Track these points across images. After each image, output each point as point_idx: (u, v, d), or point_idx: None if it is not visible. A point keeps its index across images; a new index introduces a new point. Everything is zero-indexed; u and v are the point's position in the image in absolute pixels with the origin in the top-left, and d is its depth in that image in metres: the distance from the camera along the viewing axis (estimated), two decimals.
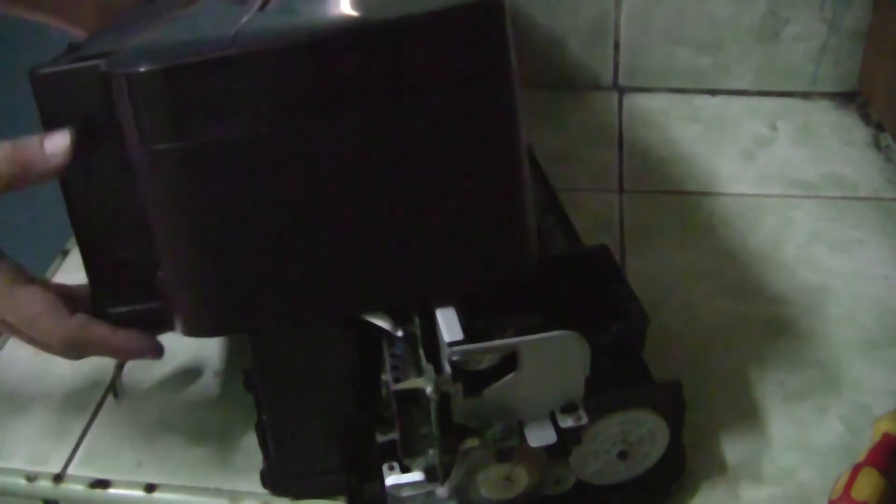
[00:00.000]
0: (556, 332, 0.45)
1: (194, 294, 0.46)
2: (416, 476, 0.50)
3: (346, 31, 0.43)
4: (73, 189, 0.48)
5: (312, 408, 0.51)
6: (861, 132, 0.89)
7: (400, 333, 0.48)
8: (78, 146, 0.46)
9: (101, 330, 0.49)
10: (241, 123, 0.42)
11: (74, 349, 0.50)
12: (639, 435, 0.51)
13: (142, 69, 0.41)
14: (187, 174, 0.43)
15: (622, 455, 0.51)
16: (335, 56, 0.41)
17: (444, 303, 0.47)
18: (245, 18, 0.45)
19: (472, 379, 0.46)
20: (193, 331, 0.48)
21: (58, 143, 0.46)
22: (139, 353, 0.52)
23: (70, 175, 0.47)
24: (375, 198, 0.44)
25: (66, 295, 0.50)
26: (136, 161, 0.43)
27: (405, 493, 0.50)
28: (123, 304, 0.50)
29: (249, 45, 0.42)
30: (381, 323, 0.48)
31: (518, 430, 0.48)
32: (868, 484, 0.51)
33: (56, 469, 0.58)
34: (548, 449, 0.49)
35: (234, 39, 0.42)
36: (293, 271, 0.45)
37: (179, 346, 0.66)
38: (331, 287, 0.46)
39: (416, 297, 0.48)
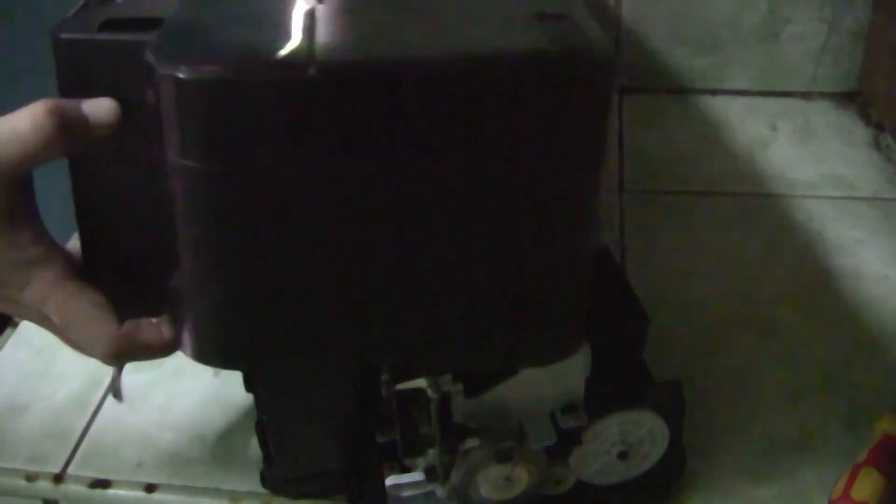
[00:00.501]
0: None
1: (212, 322, 0.42)
2: (416, 476, 0.50)
3: (440, 62, 0.37)
4: (83, 168, 0.42)
5: (312, 408, 0.51)
6: (861, 132, 0.89)
7: None
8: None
9: (149, 333, 0.44)
10: (297, 149, 0.37)
11: (119, 359, 0.45)
12: (639, 435, 0.51)
13: (197, 76, 0.35)
14: (228, 196, 0.38)
15: (622, 455, 0.51)
16: (416, 89, 0.36)
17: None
18: (306, 7, 0.40)
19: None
20: (204, 357, 0.43)
21: (101, 106, 0.40)
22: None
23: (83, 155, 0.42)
24: (424, 249, 0.40)
25: None
26: (169, 166, 0.38)
27: (405, 493, 0.50)
28: (121, 303, 0.45)
29: (332, 66, 0.36)
30: None
31: (518, 430, 0.48)
32: (868, 484, 0.51)
33: (56, 469, 0.58)
34: (548, 449, 0.49)
35: (309, 53, 0.36)
36: (320, 311, 0.41)
37: None
38: (359, 334, 0.42)
39: (437, 362, 0.44)
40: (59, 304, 0.42)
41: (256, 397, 0.54)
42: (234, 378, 0.62)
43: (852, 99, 0.94)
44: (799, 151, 0.87)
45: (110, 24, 0.40)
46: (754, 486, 0.55)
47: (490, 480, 0.49)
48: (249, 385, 0.55)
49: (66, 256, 0.43)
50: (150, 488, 0.56)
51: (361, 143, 0.37)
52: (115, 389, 0.63)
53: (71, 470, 0.58)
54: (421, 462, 0.50)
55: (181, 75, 0.35)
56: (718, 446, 0.57)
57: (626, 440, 0.51)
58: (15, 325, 0.69)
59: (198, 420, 0.61)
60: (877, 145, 0.87)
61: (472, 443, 0.48)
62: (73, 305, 0.42)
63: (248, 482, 0.56)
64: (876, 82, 0.91)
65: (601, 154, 0.39)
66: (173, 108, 0.36)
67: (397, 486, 0.50)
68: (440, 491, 0.50)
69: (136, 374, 0.65)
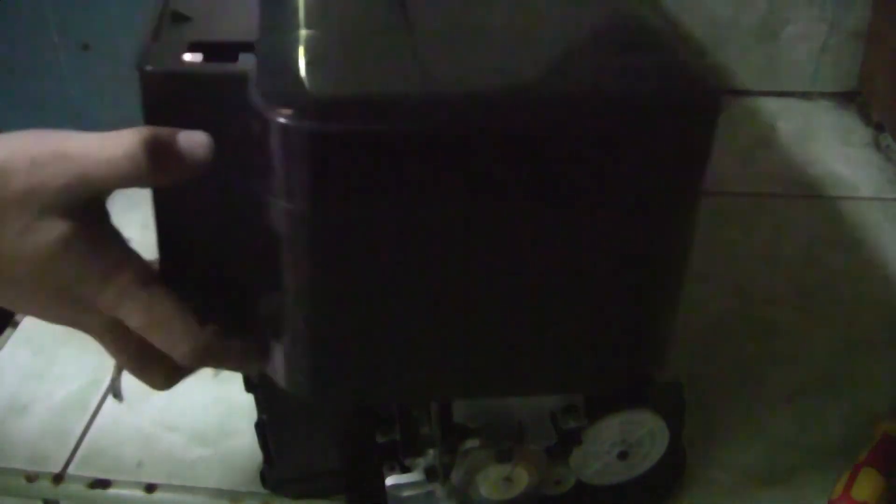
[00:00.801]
0: None
1: (312, 358, 0.42)
2: (416, 476, 0.50)
3: (567, 109, 0.36)
4: (167, 196, 0.40)
5: (312, 408, 0.51)
6: (861, 132, 0.89)
7: None
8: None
9: (236, 342, 0.43)
10: (412, 198, 0.36)
11: (202, 359, 0.43)
12: (639, 435, 0.51)
13: (316, 126, 0.34)
14: (336, 241, 0.37)
15: (622, 456, 0.51)
16: (546, 137, 0.36)
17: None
18: (413, 47, 0.39)
19: None
20: (299, 388, 0.43)
21: (198, 141, 0.39)
22: (260, 364, 0.46)
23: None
24: (522, 291, 0.40)
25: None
26: (272, 205, 0.37)
27: (405, 493, 0.50)
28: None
29: (458, 120, 0.35)
30: None
31: (518, 430, 0.48)
32: (868, 484, 0.51)
33: (56, 469, 0.58)
34: (548, 449, 0.49)
35: (434, 104, 0.35)
36: (419, 352, 0.41)
37: None
38: (447, 373, 0.43)
39: (531, 392, 0.46)
40: (141, 303, 0.41)
41: (256, 397, 0.54)
42: (234, 378, 0.62)
43: (852, 99, 0.94)
44: (799, 151, 0.87)
45: (194, 49, 0.38)
46: (754, 486, 0.55)
47: (490, 480, 0.49)
48: (249, 385, 0.55)
49: (144, 263, 0.42)
50: (150, 488, 0.56)
51: (482, 189, 0.37)
52: (115, 389, 0.63)
53: (71, 470, 0.58)
54: (421, 462, 0.50)
55: (298, 124, 0.34)
56: (718, 446, 0.57)
57: (626, 440, 0.50)
58: (15, 324, 0.69)
59: (198, 420, 0.61)
60: (877, 145, 0.87)
61: (472, 443, 0.48)
62: (156, 305, 0.41)
63: (248, 482, 0.56)
64: (876, 82, 0.91)
65: (700, 186, 0.39)
66: (286, 155, 0.35)
67: (397, 486, 0.50)
68: (440, 491, 0.50)
69: None
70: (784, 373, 0.62)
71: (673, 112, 0.37)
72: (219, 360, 0.43)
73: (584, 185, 0.37)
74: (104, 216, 0.42)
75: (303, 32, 0.39)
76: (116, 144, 0.38)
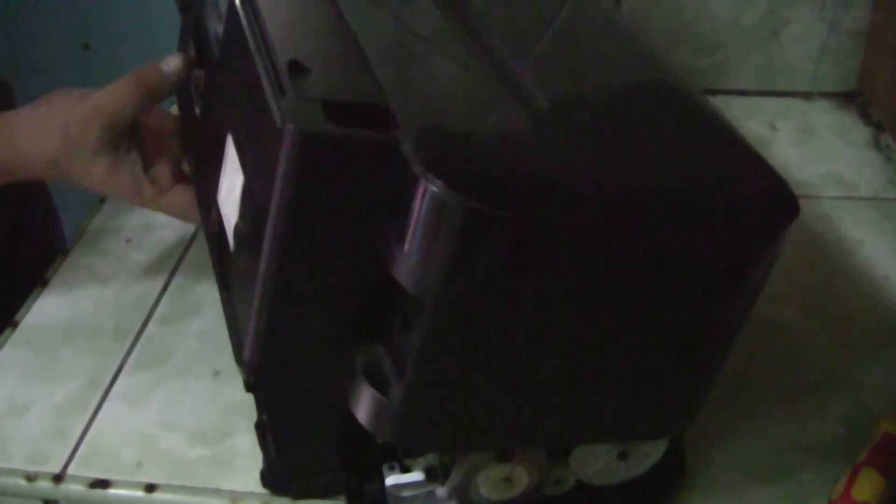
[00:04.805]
0: None
1: (419, 415, 0.44)
2: (416, 476, 0.50)
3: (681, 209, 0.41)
4: (290, 249, 0.42)
5: (312, 408, 0.51)
6: (861, 132, 0.89)
7: None
8: (322, 209, 0.41)
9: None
10: (545, 277, 0.40)
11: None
12: None
13: (492, 212, 0.37)
14: (476, 315, 0.41)
15: (622, 455, 0.51)
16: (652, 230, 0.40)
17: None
18: (541, 125, 0.42)
19: None
20: (399, 440, 0.47)
21: (172, 63, 0.62)
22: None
23: (303, 233, 0.41)
24: (601, 359, 0.44)
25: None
26: (412, 274, 0.40)
27: (405, 493, 0.50)
28: (287, 370, 0.47)
29: (609, 208, 0.39)
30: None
31: None
32: (868, 484, 0.51)
33: (56, 469, 0.58)
34: (548, 449, 0.49)
35: (588, 193, 0.39)
36: (503, 408, 0.45)
37: (178, 347, 0.66)
38: (523, 425, 0.47)
39: (589, 441, 0.50)
40: (169, 203, 0.64)
41: (256, 397, 0.54)
42: (235, 378, 0.62)
43: (852, 99, 0.94)
44: (799, 151, 0.87)
45: (329, 108, 0.39)
46: (754, 486, 0.55)
47: (490, 480, 0.49)
48: (249, 385, 0.56)
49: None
50: (150, 488, 0.56)
51: (597, 273, 0.40)
52: None
53: (71, 470, 0.58)
54: (421, 462, 0.50)
55: (474, 207, 0.37)
56: (718, 446, 0.57)
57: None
58: (15, 325, 0.69)
59: (198, 420, 0.61)
60: (877, 145, 0.87)
61: None
62: (178, 201, 0.64)
63: (248, 482, 0.56)
64: (876, 82, 0.91)
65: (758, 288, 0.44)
66: (449, 229, 0.38)
67: (397, 486, 0.50)
68: (440, 491, 0.50)
69: (136, 374, 0.65)
70: (784, 373, 0.62)
71: (760, 221, 0.42)
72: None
73: (676, 272, 0.42)
74: (130, 143, 0.62)
75: (431, 92, 0.44)
76: (117, 84, 0.61)
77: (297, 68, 0.41)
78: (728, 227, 0.41)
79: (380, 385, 0.44)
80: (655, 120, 0.46)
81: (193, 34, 0.63)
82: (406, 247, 0.39)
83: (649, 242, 0.40)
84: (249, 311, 0.44)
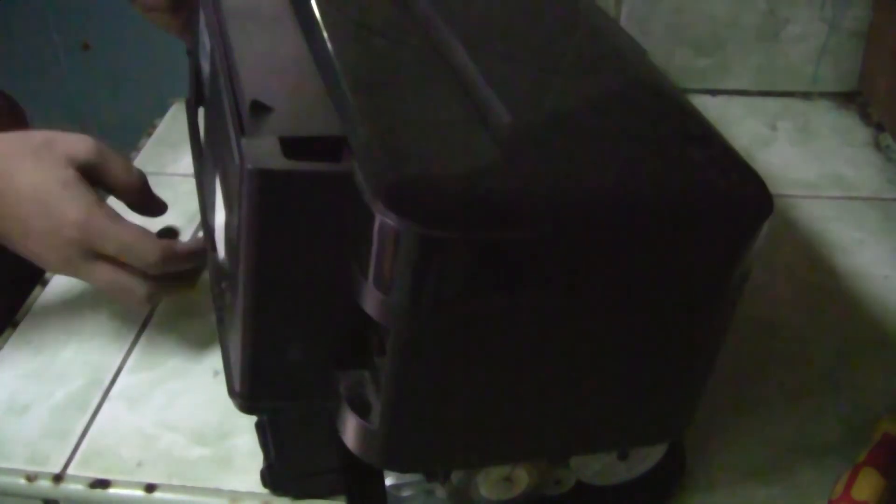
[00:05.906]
0: None
1: (405, 437, 0.45)
2: (416, 476, 0.50)
3: (641, 210, 0.40)
4: (262, 283, 0.43)
5: (312, 408, 0.51)
6: (861, 132, 0.89)
7: None
8: (298, 244, 0.42)
9: (182, 245, 0.58)
10: (516, 296, 0.39)
11: (167, 262, 0.57)
12: None
13: (440, 233, 0.37)
14: (442, 336, 0.41)
15: (622, 456, 0.51)
16: (629, 238, 0.40)
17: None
18: (494, 140, 0.42)
19: None
20: (387, 463, 0.47)
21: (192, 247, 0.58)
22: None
23: (272, 267, 0.42)
24: (589, 371, 0.44)
25: None
26: (376, 306, 0.40)
27: (405, 493, 0.50)
28: (276, 399, 0.48)
29: (564, 222, 0.39)
30: None
31: None
32: (868, 484, 0.51)
33: (56, 469, 0.58)
34: None
35: (547, 209, 0.39)
36: (495, 426, 0.45)
37: (178, 347, 0.66)
38: (511, 442, 0.47)
39: (583, 452, 0.50)
40: (115, 235, 0.56)
41: None
42: None
43: (852, 99, 0.94)
44: (799, 151, 0.87)
45: (286, 144, 0.40)
46: (754, 486, 0.55)
47: (490, 480, 0.49)
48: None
49: (110, 207, 0.57)
50: (150, 488, 0.56)
51: (572, 285, 0.40)
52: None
53: (71, 470, 0.58)
54: None
55: (416, 230, 0.37)
56: (718, 446, 0.57)
57: None
58: (15, 325, 0.69)
59: (198, 420, 0.61)
60: (877, 145, 0.87)
61: None
62: (127, 233, 0.56)
63: (248, 482, 0.56)
64: (876, 82, 0.91)
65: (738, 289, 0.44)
66: (406, 258, 0.38)
67: (397, 486, 0.50)
68: (440, 491, 0.50)
69: (136, 374, 0.65)
70: (784, 373, 0.62)
71: (735, 216, 0.41)
72: (179, 261, 0.57)
73: (650, 279, 0.41)
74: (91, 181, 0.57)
75: (395, 130, 0.42)
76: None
77: (258, 108, 0.43)
78: (701, 229, 0.41)
79: (362, 410, 0.44)
80: (623, 121, 0.45)
81: (195, 75, 0.62)
82: (369, 277, 0.39)
83: (618, 252, 0.40)
84: (236, 344, 0.45)
